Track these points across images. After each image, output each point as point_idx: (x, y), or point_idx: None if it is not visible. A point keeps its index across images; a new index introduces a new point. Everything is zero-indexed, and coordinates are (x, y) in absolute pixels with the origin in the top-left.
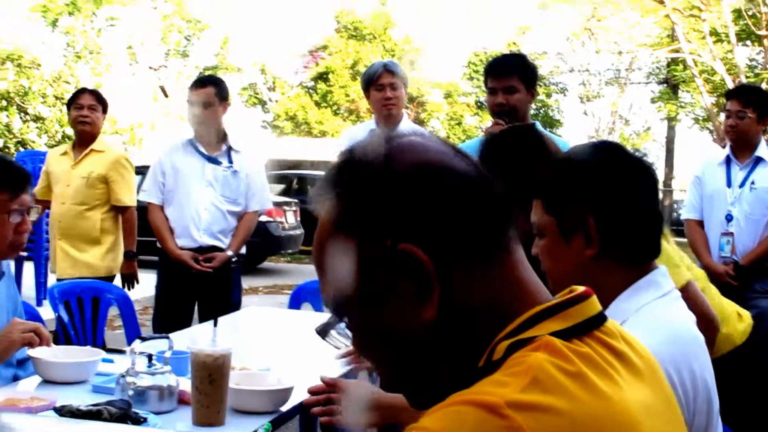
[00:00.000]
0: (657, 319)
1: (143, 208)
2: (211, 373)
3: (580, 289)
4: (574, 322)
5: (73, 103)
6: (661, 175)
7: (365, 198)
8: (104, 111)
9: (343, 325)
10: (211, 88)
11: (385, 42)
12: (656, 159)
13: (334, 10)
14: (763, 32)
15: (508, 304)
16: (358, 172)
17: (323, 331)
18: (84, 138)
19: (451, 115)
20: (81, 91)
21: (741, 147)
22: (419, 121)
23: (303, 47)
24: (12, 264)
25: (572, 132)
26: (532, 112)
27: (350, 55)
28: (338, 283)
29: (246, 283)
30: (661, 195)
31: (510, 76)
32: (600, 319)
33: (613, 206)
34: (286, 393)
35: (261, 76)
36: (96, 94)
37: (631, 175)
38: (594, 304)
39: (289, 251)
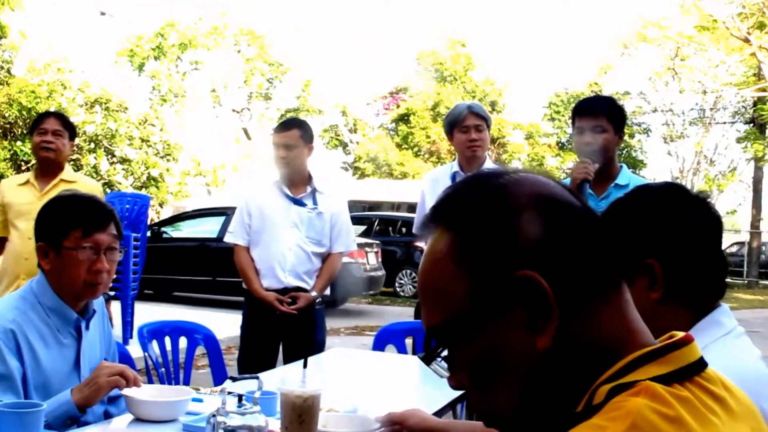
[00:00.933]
0: (723, 359)
1: (231, 249)
2: (301, 414)
3: (680, 334)
4: (676, 367)
5: (36, 127)
6: (748, 217)
7: (488, 225)
8: (71, 137)
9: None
10: (296, 131)
11: (465, 83)
12: (743, 200)
13: (415, 51)
14: None
15: (615, 343)
16: (477, 202)
17: (429, 357)
18: (48, 166)
19: (533, 156)
20: (45, 115)
21: None
22: (500, 162)
23: (384, 89)
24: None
25: (656, 172)
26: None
27: (431, 97)
28: (450, 309)
29: (328, 324)
30: (748, 237)
31: (598, 116)
32: (701, 365)
33: (677, 249)
34: None
35: (342, 118)
36: (62, 119)
37: (694, 216)
38: (694, 349)
39: (371, 292)
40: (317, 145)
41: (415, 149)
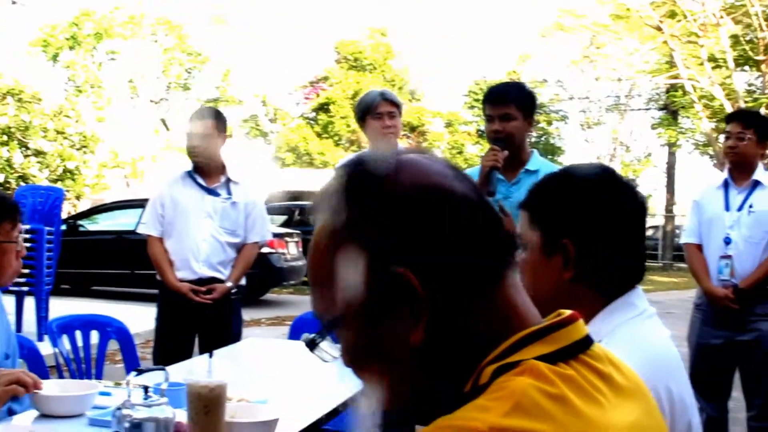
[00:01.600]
0: (632, 339)
1: (144, 241)
2: (207, 405)
3: (567, 312)
4: (560, 345)
5: None
6: (662, 201)
7: (364, 216)
8: None
9: (332, 338)
10: (209, 120)
11: (385, 72)
12: (658, 185)
13: (335, 41)
14: (760, 57)
15: (498, 328)
16: (359, 189)
17: (312, 344)
18: None
19: (452, 144)
20: None
21: (740, 170)
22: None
23: (304, 79)
24: (10, 299)
25: (574, 159)
26: (533, 139)
27: (351, 86)
28: (331, 296)
29: (249, 315)
30: (662, 221)
31: (507, 103)
32: (586, 343)
33: (592, 232)
34: (271, 425)
35: (262, 108)
36: None
37: (616, 201)
38: (580, 327)
39: (292, 282)
40: (237, 136)
41: (336, 138)
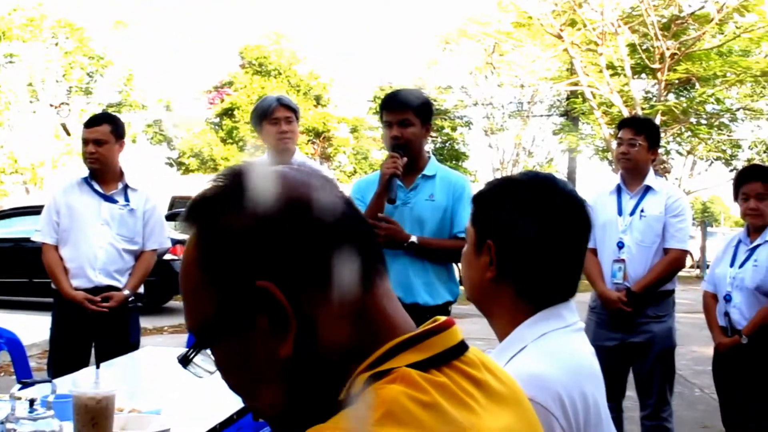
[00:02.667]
0: (555, 348)
1: (40, 249)
2: (94, 417)
3: (442, 319)
4: (433, 352)
5: None
6: None
7: (224, 232)
8: None
9: (207, 353)
10: (106, 126)
11: (290, 77)
12: None
13: (239, 46)
14: (656, 66)
15: (370, 337)
16: (218, 206)
17: (185, 360)
18: None
19: (358, 150)
20: None
21: (632, 175)
22: (326, 156)
23: (208, 83)
24: None
25: (478, 164)
26: (437, 145)
27: (256, 91)
28: (200, 314)
29: (151, 323)
30: None
31: (405, 110)
32: (461, 349)
33: (516, 239)
34: None
35: (166, 113)
36: None
37: (546, 212)
38: (455, 333)
39: None
40: (141, 141)
41: (241, 144)
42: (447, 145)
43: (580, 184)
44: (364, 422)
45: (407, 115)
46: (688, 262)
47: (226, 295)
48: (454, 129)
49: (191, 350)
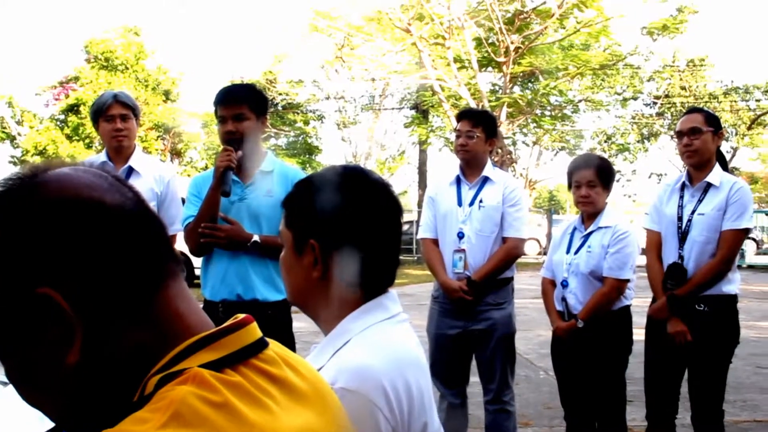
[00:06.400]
0: (380, 339)
1: None
2: None
3: (241, 316)
4: (228, 351)
5: None
6: (415, 197)
7: (3, 236)
8: None
9: None
10: None
11: (138, 72)
12: (412, 182)
13: (84, 39)
14: (502, 59)
15: (162, 338)
16: None
17: None
18: None
19: (209, 145)
20: None
21: (470, 166)
22: (176, 152)
23: (53, 79)
24: None
25: (331, 158)
26: (290, 139)
27: (102, 86)
28: None
29: None
30: (416, 216)
31: (239, 104)
32: (259, 347)
33: (338, 234)
34: None
35: (9, 110)
36: None
37: (363, 204)
38: (252, 331)
39: None
40: None
41: (87, 141)
42: (300, 139)
43: (431, 175)
44: (150, 425)
45: (242, 110)
46: (536, 248)
47: (4, 303)
48: (306, 123)
49: None
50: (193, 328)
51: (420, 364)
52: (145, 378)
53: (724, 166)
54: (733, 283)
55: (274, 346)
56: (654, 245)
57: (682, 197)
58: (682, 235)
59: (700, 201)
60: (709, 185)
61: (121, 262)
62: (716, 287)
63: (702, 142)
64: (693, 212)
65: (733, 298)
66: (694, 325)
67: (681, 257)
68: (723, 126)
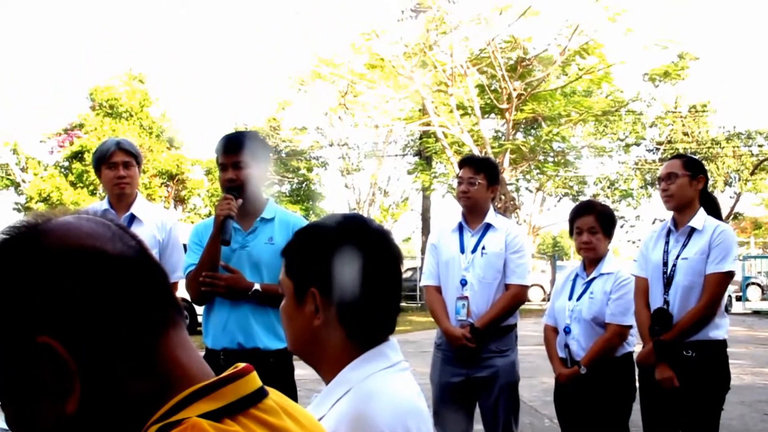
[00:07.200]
0: (380, 388)
1: None
2: None
3: (241, 366)
4: (227, 401)
5: None
6: (418, 243)
7: (5, 286)
8: None
9: None
10: None
11: (142, 119)
12: (416, 228)
13: (89, 87)
14: (504, 105)
15: (161, 388)
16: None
17: None
18: None
19: (213, 192)
20: None
21: (472, 213)
22: (180, 199)
23: (57, 126)
24: None
25: (335, 204)
26: (293, 186)
27: (107, 133)
28: None
29: None
30: (419, 262)
31: (239, 152)
32: (258, 396)
33: (338, 283)
34: None
35: (13, 156)
36: None
37: (363, 252)
38: (252, 380)
39: None
40: None
41: (91, 188)
42: (303, 185)
43: (434, 221)
44: None
45: (242, 157)
46: (540, 295)
47: (5, 351)
48: (309, 170)
49: None
50: (193, 377)
51: (421, 412)
52: (144, 427)
53: (716, 211)
54: (721, 329)
55: (274, 396)
56: (641, 291)
57: (667, 242)
58: (667, 280)
59: (684, 246)
60: (692, 230)
61: (121, 311)
62: (703, 333)
63: (677, 186)
64: (677, 257)
65: (721, 344)
66: (682, 371)
67: (666, 302)
68: (708, 171)
